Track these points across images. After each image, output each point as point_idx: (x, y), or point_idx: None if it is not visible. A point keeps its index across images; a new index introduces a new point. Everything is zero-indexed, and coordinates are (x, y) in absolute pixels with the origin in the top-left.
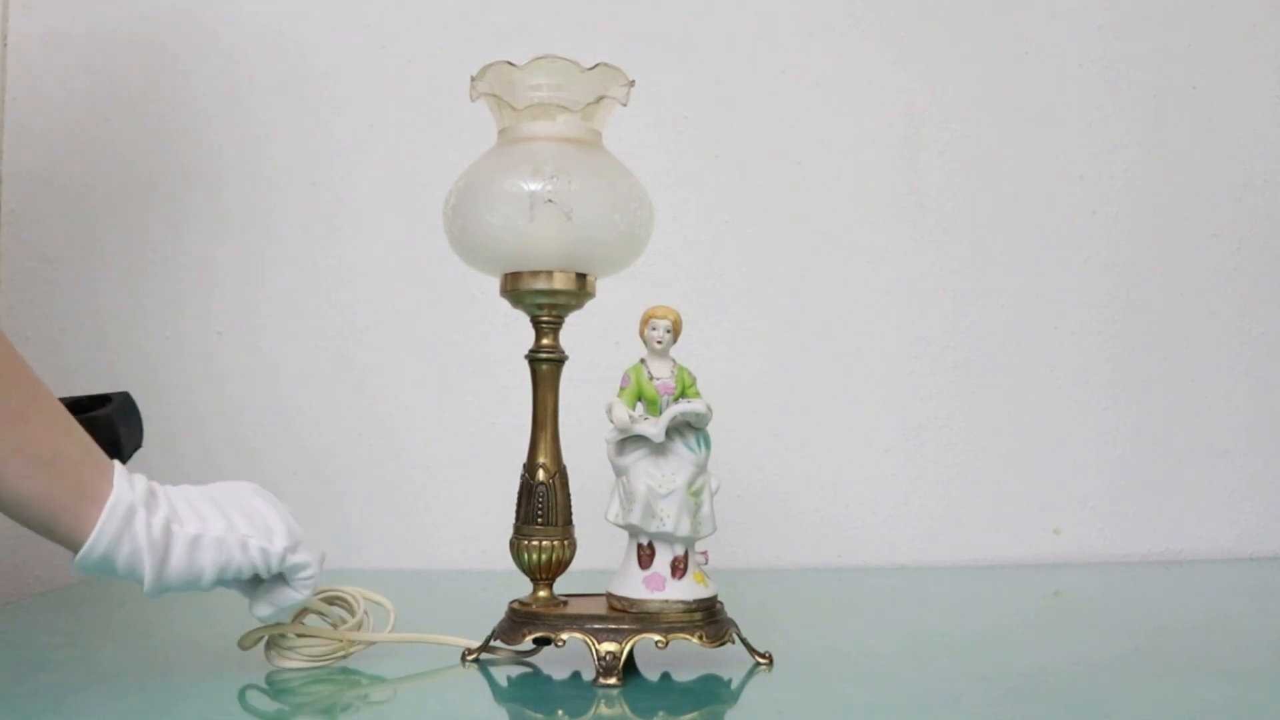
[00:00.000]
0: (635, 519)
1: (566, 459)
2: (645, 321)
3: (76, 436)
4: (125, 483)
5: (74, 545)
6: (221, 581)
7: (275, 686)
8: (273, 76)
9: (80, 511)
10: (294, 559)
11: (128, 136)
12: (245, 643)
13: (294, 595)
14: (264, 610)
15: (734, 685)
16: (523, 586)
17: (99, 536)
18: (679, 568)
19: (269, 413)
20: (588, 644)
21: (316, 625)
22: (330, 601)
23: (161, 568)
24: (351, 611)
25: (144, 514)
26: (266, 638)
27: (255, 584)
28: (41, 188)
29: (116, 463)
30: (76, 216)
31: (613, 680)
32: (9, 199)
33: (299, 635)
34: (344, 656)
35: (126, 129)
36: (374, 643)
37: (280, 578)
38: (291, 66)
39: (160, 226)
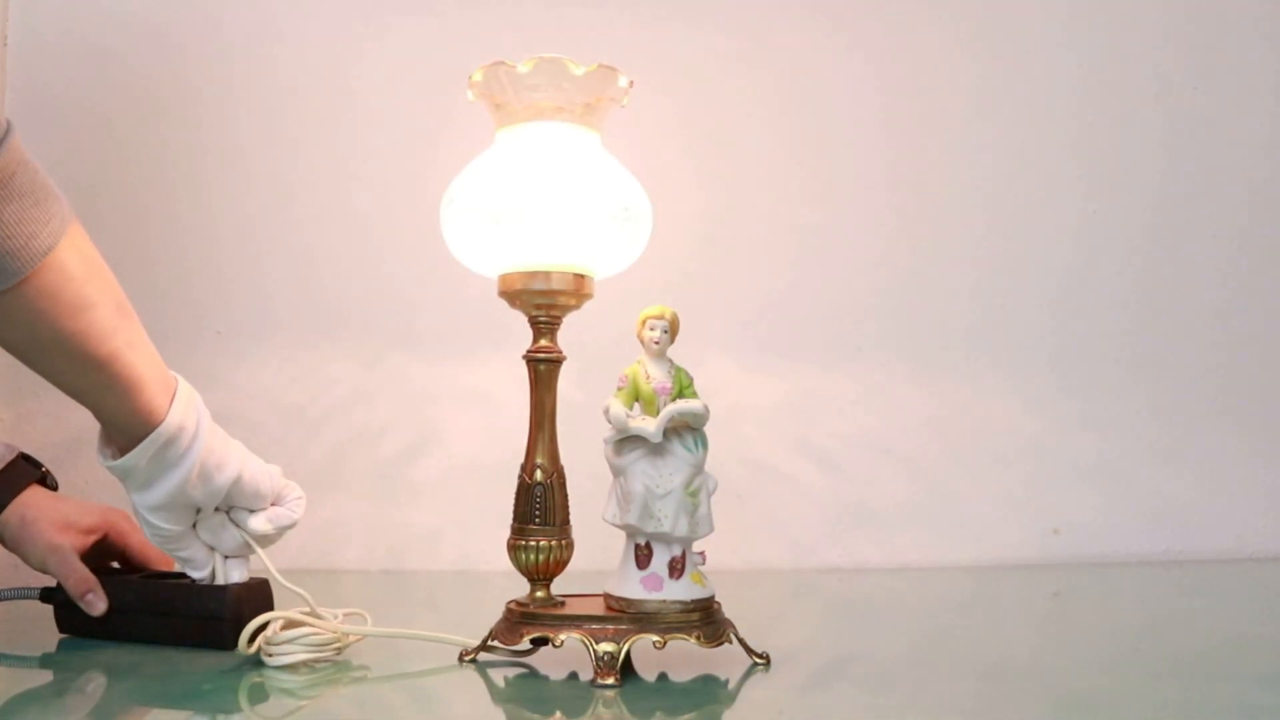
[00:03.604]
0: (633, 519)
1: (564, 459)
2: (642, 322)
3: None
4: (180, 376)
5: (156, 423)
6: (233, 490)
7: (274, 686)
8: (273, 76)
9: (167, 392)
10: (286, 481)
11: (127, 136)
12: (243, 642)
13: (290, 514)
14: (262, 525)
15: (731, 685)
16: (520, 587)
17: (176, 407)
18: (676, 568)
19: (268, 413)
20: (585, 644)
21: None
22: (298, 625)
23: (210, 444)
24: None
25: (199, 398)
26: (262, 638)
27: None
28: None
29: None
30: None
31: (610, 680)
32: None
33: (297, 627)
34: (339, 651)
35: (126, 129)
36: (370, 635)
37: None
38: (292, 65)
39: (160, 226)
